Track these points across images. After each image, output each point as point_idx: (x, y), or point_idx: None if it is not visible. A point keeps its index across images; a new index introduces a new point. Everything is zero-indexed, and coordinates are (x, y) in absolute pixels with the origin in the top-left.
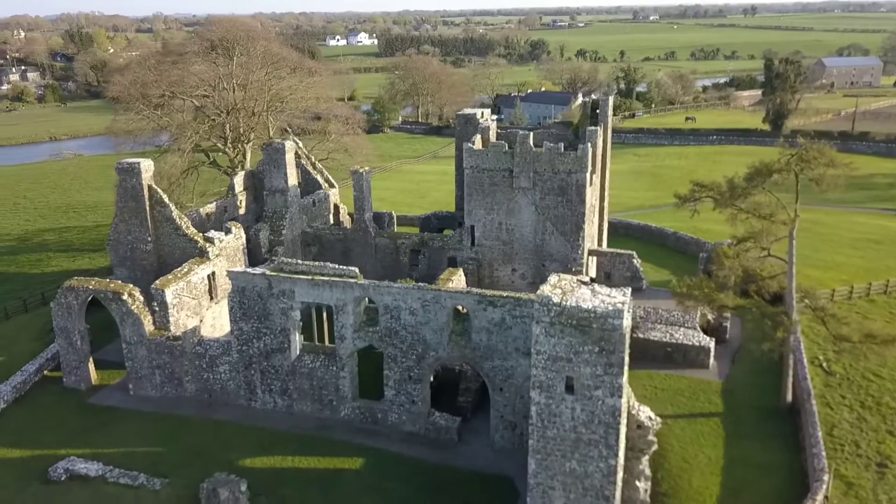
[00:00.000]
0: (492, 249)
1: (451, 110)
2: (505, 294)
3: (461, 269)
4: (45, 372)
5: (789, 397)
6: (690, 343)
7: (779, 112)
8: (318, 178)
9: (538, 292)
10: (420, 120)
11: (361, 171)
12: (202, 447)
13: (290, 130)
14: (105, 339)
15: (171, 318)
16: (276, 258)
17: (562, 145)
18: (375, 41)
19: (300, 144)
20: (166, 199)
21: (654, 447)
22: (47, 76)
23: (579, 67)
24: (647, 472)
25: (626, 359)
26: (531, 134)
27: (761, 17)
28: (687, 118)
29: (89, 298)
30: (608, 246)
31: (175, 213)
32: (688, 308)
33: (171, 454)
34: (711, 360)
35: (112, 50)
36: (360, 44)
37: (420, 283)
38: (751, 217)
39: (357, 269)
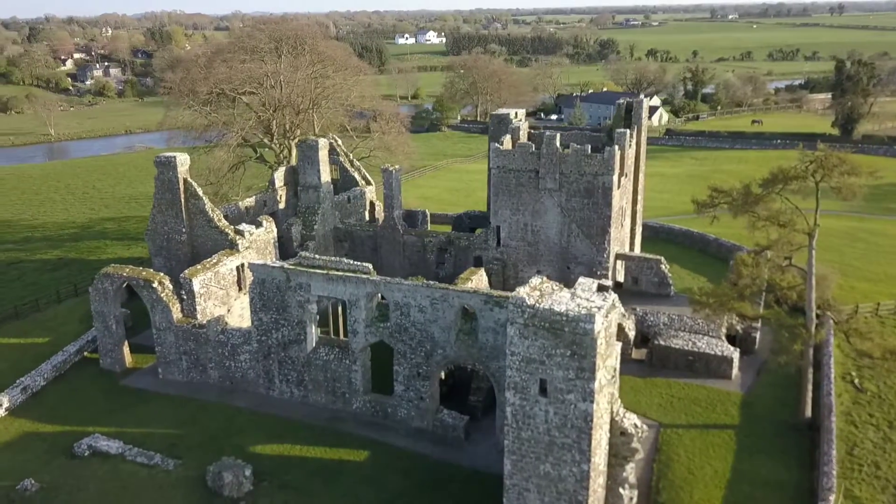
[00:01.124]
0: (517, 250)
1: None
2: (510, 294)
3: (482, 269)
4: (86, 353)
5: (808, 412)
6: (713, 352)
7: (849, 116)
8: (356, 175)
9: (513, 294)
10: (479, 119)
11: (391, 169)
12: (218, 432)
13: (348, 129)
14: (146, 324)
15: (198, 307)
16: (303, 252)
17: (588, 147)
18: (444, 39)
19: (339, 142)
20: (200, 192)
21: (639, 455)
22: (128, 72)
23: (645, 68)
24: (632, 479)
25: (606, 363)
26: (558, 135)
27: (849, 16)
28: (753, 121)
29: (124, 285)
30: (646, 250)
31: (208, 205)
32: (709, 316)
33: (188, 437)
34: (735, 370)
35: (189, 47)
36: (428, 42)
37: (429, 281)
38: (768, 225)
39: (371, 266)
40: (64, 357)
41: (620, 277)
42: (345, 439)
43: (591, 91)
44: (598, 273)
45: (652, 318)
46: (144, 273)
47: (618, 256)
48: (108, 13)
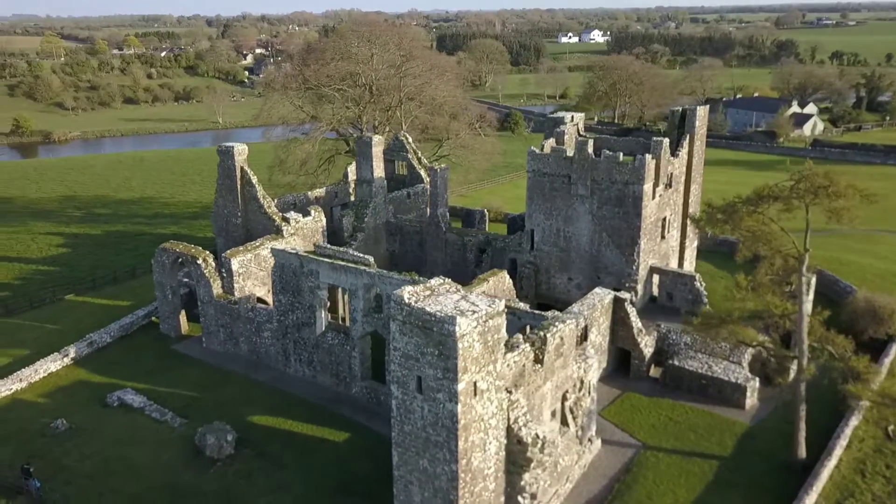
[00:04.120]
0: (550, 255)
1: (652, 113)
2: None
3: (504, 271)
4: (153, 318)
5: (802, 453)
6: (727, 379)
7: None
8: (422, 172)
9: (395, 291)
10: (616, 121)
11: (437, 168)
12: (230, 400)
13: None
14: None
15: (236, 285)
16: (353, 243)
17: (620, 154)
18: (608, 38)
19: (409, 139)
20: (255, 181)
21: (536, 466)
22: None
23: (812, 72)
24: (532, 489)
25: (487, 367)
26: (590, 140)
27: None
28: None
29: (179, 259)
30: (719, 266)
31: (260, 192)
32: (709, 339)
33: (203, 401)
34: (751, 399)
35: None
36: (592, 41)
37: (419, 278)
38: (753, 245)
39: (371, 258)
40: (132, 319)
41: (656, 291)
42: (335, 420)
43: (739, 96)
44: (627, 285)
45: (674, 337)
46: (193, 250)
47: (653, 270)
48: (298, 11)
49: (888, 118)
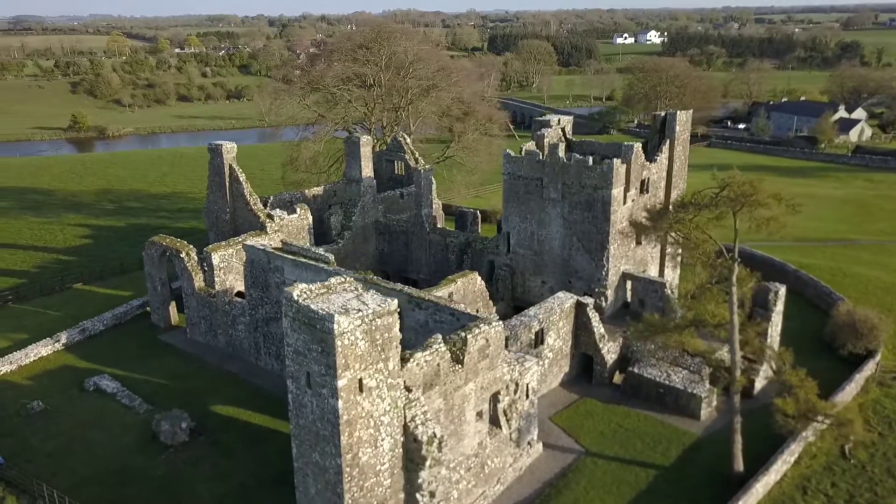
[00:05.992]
0: (525, 258)
1: (695, 116)
2: (427, 297)
3: (475, 273)
4: (147, 308)
5: (739, 466)
6: (683, 388)
7: None
8: None
9: (286, 288)
10: None
11: (421, 169)
12: (198, 389)
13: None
14: None
15: (216, 279)
16: (341, 241)
17: (590, 158)
18: (665, 39)
19: (407, 140)
20: (243, 178)
21: (434, 464)
22: None
23: (867, 76)
24: (430, 487)
25: (377, 365)
26: (561, 144)
27: None
28: None
29: (166, 253)
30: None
31: (247, 189)
32: (658, 349)
33: (172, 389)
34: (707, 410)
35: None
36: (648, 42)
37: (373, 276)
38: (684, 253)
39: (332, 257)
40: (126, 309)
41: (630, 298)
42: None
43: (784, 100)
44: (596, 290)
45: (638, 344)
46: (177, 244)
47: (626, 276)
48: (357, 11)
49: None
